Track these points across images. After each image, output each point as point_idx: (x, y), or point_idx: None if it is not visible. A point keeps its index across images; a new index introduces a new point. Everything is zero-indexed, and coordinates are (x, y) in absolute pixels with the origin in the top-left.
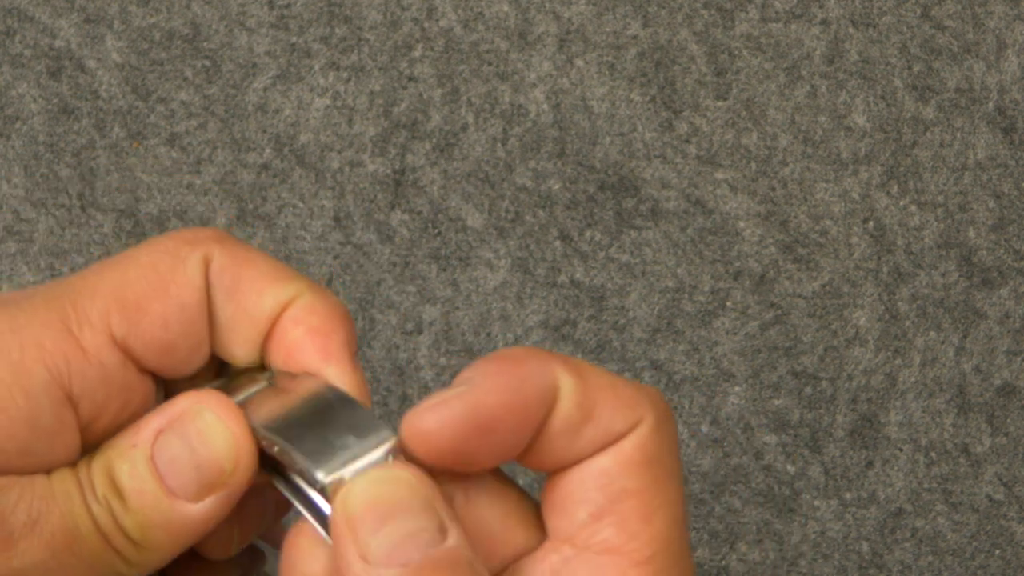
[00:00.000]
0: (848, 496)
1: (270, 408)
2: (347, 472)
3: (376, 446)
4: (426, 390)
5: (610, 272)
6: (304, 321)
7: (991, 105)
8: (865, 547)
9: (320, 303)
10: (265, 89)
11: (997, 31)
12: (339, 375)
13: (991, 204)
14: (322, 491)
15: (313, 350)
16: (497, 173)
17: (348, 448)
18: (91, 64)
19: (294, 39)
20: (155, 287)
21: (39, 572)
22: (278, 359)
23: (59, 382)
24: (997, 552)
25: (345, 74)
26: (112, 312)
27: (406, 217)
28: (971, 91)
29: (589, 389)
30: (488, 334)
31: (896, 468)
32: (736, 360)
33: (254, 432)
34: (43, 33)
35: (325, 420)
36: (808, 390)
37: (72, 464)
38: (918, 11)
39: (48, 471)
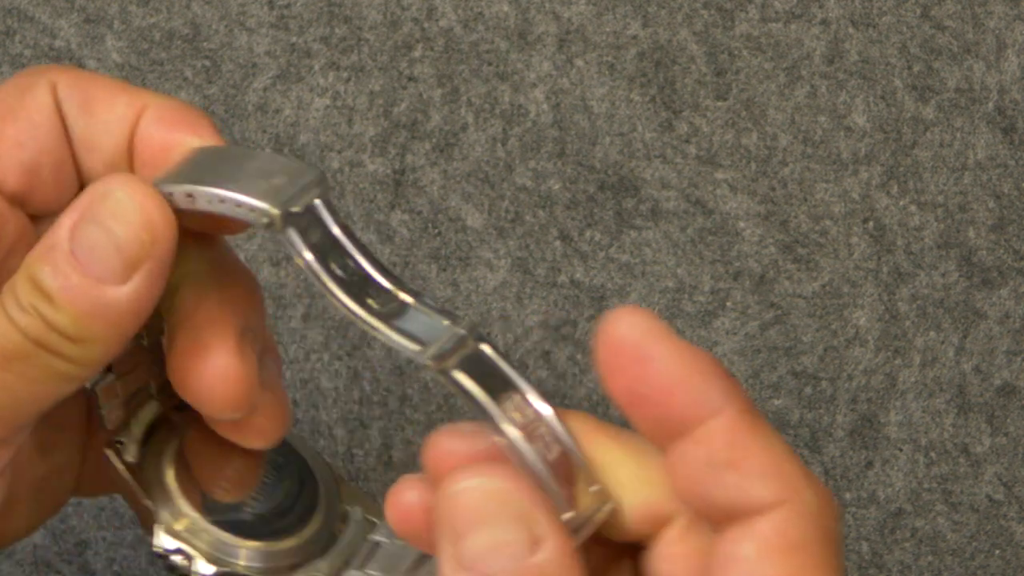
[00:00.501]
0: (848, 496)
1: (181, 173)
2: (295, 203)
3: (310, 182)
4: (426, 390)
5: (610, 272)
6: (164, 119)
7: (991, 105)
8: (865, 547)
9: (173, 103)
10: (265, 89)
11: (997, 31)
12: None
13: (991, 204)
14: (269, 226)
15: (183, 138)
16: (497, 173)
17: (280, 183)
18: (91, 64)
19: (294, 39)
20: (4, 113)
21: None
22: (146, 169)
23: None
24: (997, 552)
25: (345, 74)
26: None
27: (406, 217)
28: (971, 91)
29: (743, 434)
30: (488, 334)
31: (896, 468)
32: (736, 360)
33: (169, 198)
34: (43, 33)
35: (242, 165)
36: (808, 390)
37: None
38: (918, 11)
39: None
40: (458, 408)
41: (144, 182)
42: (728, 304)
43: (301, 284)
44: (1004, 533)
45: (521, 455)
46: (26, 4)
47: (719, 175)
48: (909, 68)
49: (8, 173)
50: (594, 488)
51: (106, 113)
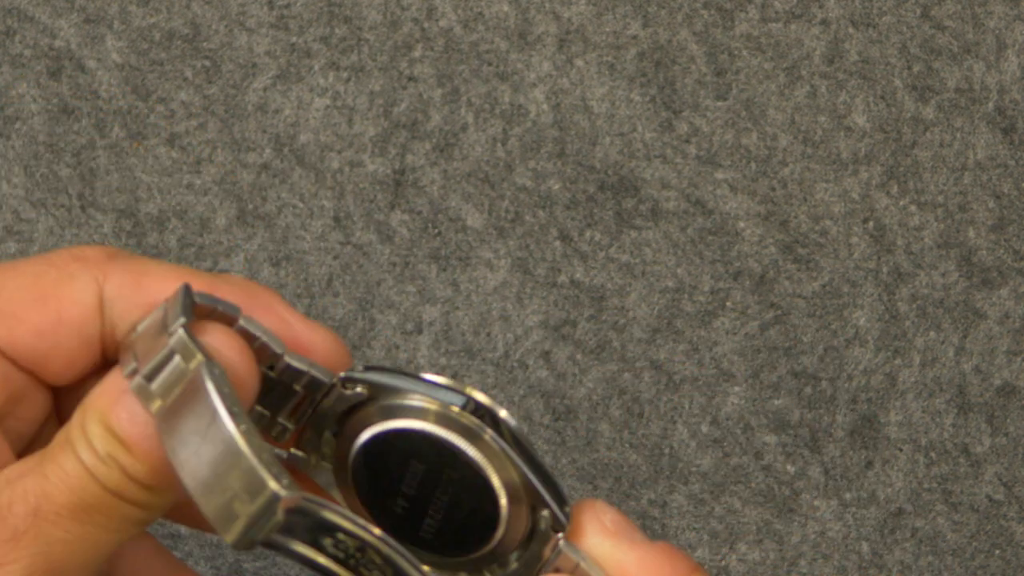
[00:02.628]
0: (848, 496)
1: None
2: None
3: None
4: None
5: (610, 272)
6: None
7: (991, 105)
8: (865, 547)
9: (233, 283)
10: (265, 89)
11: (997, 31)
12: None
13: (991, 204)
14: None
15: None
16: (497, 173)
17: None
18: (91, 64)
19: (294, 39)
20: (35, 297)
21: (58, 553)
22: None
23: None
24: (997, 552)
25: (345, 74)
26: None
27: (406, 217)
28: (971, 91)
29: None
30: (488, 334)
31: (896, 468)
32: (736, 360)
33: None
34: (43, 33)
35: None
36: (808, 390)
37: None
38: (918, 11)
39: None
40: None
41: (226, 331)
42: (728, 304)
43: (301, 284)
44: (1004, 533)
45: None
46: (26, 4)
47: (719, 175)
48: (909, 68)
49: (21, 356)
50: None
51: (154, 297)
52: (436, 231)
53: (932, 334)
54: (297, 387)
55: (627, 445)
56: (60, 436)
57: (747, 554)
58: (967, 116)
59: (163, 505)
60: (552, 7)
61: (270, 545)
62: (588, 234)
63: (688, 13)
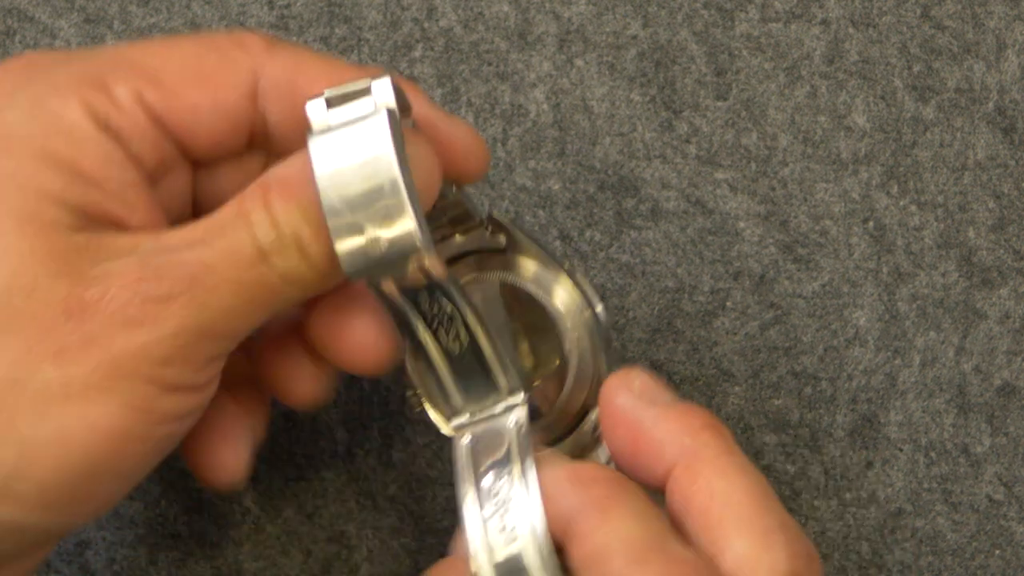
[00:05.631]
0: (848, 496)
1: None
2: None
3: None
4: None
5: (610, 272)
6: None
7: (991, 105)
8: (865, 547)
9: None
10: None
11: (997, 31)
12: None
13: (991, 204)
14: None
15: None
16: (497, 173)
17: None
18: None
19: (294, 39)
20: (195, 75)
21: (208, 322)
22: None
23: (99, 122)
24: (997, 552)
25: None
26: (146, 90)
27: None
28: (971, 91)
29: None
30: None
31: (896, 468)
32: (736, 360)
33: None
34: (43, 33)
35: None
36: (808, 390)
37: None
38: (918, 11)
39: (130, 227)
40: None
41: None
42: (728, 304)
43: None
44: (1004, 533)
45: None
46: (26, 4)
47: (719, 175)
48: (909, 68)
49: (175, 130)
50: None
51: (308, 92)
52: None
53: (932, 334)
54: (444, 218)
55: None
56: (229, 210)
57: None
58: (967, 116)
59: (319, 291)
60: (552, 7)
61: (371, 277)
62: (588, 234)
63: (688, 13)
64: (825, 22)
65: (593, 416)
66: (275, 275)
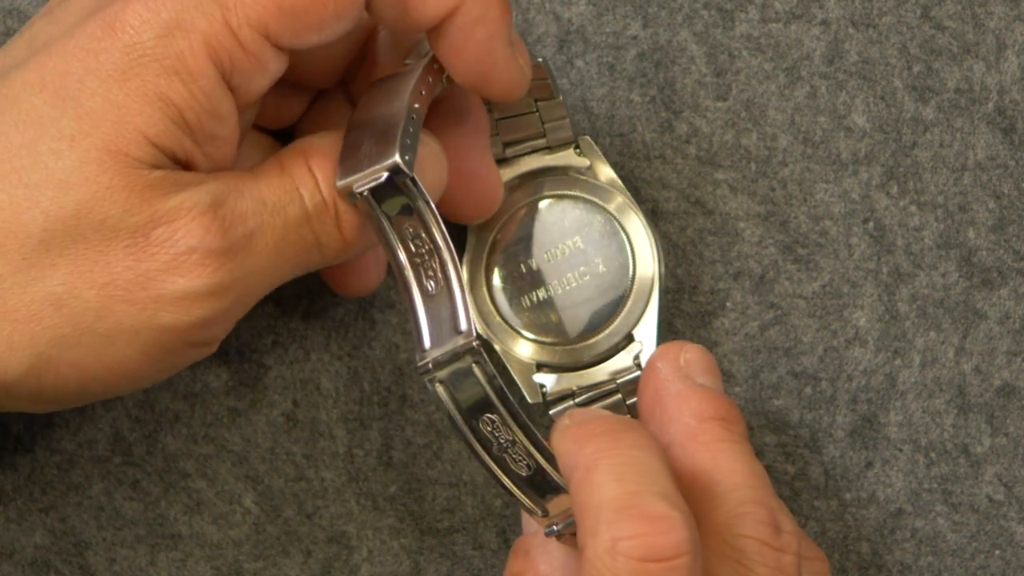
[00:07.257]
0: (848, 496)
1: None
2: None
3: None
4: (426, 390)
5: None
6: (472, 31)
7: (991, 105)
8: (865, 547)
9: (480, 7)
10: None
11: (997, 31)
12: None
13: (991, 204)
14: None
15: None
16: None
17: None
18: None
19: None
20: None
21: (246, 281)
22: (455, 66)
23: (221, 72)
24: (997, 552)
25: None
26: (270, 19)
27: None
28: (971, 91)
29: None
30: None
31: (896, 468)
32: (736, 360)
33: None
34: None
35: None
36: (808, 390)
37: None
38: (918, 11)
39: (212, 167)
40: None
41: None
42: (728, 304)
43: (300, 284)
44: (1004, 533)
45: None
46: (26, 4)
47: (719, 175)
48: (909, 68)
49: (295, 44)
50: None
51: (417, 12)
52: None
53: (932, 334)
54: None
55: None
56: (273, 169)
57: None
58: (967, 116)
59: (332, 263)
60: (552, 7)
61: (367, 203)
62: None
63: (688, 13)
64: (825, 22)
65: (616, 363)
66: (313, 239)
